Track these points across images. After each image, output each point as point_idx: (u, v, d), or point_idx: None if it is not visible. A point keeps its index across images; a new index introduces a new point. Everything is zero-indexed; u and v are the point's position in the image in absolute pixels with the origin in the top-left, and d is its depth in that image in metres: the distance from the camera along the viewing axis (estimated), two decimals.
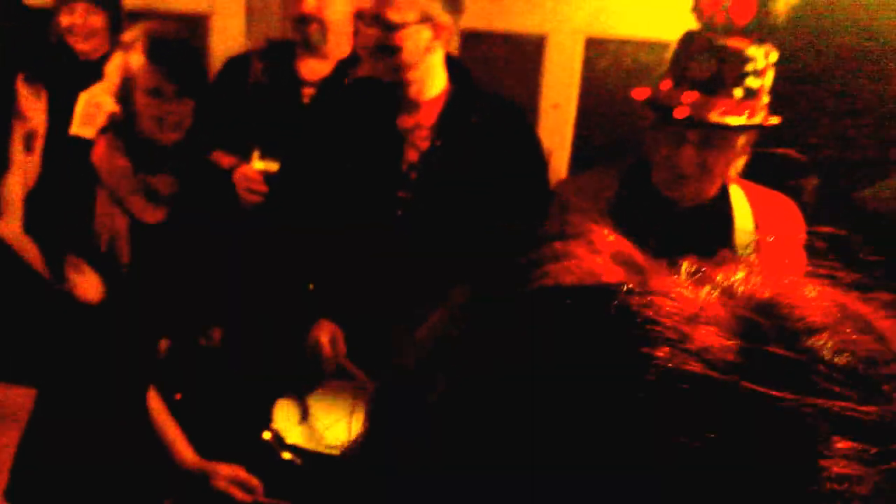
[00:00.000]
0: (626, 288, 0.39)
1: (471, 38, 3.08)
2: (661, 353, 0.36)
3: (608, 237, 0.44)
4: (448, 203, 1.99)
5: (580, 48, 3.15)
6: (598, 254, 0.42)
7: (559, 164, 3.22)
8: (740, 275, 0.42)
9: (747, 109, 1.60)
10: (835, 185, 2.20)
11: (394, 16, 1.92)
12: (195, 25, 3.09)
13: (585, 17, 3.12)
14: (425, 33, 1.95)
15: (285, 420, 1.84)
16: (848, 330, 0.38)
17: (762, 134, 1.68)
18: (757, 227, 1.73)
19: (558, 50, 3.16)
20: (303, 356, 2.00)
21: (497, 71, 3.24)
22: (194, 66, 2.01)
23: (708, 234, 1.69)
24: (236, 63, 2.60)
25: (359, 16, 1.99)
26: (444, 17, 1.96)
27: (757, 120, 1.62)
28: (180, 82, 1.92)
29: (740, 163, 1.72)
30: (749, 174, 1.80)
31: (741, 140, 1.65)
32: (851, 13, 2.63)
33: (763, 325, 0.38)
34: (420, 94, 2.02)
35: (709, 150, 1.63)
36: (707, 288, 0.40)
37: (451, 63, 2.08)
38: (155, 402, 1.64)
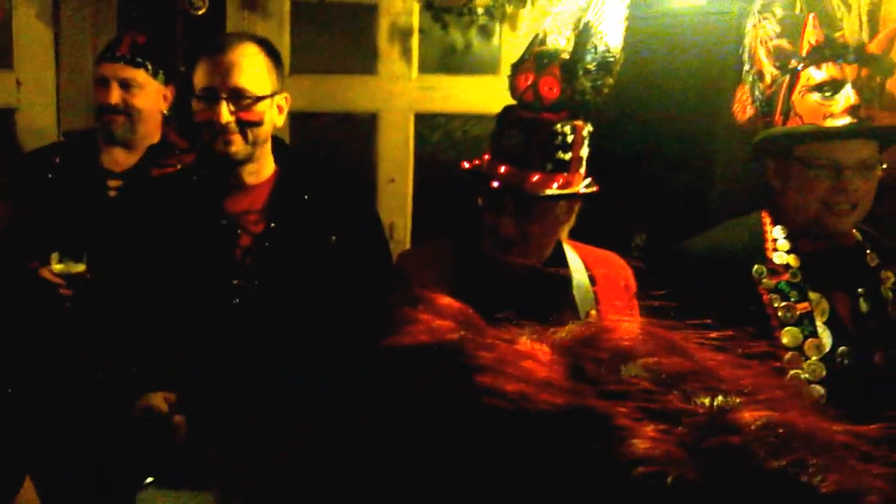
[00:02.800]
0: (465, 340, 0.48)
1: (302, 119, 3.08)
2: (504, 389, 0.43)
3: (449, 302, 0.53)
4: (287, 285, 1.93)
5: (411, 124, 3.23)
6: (442, 317, 0.51)
7: (401, 236, 3.24)
8: (568, 327, 0.50)
9: (559, 180, 1.67)
10: (661, 238, 2.35)
11: (255, 88, 1.88)
12: (2, 120, 2.90)
13: (415, 95, 3.21)
14: (274, 108, 1.93)
15: None
16: (657, 352, 0.46)
17: (585, 200, 1.76)
18: (594, 283, 1.80)
19: (390, 126, 3.22)
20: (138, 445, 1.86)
21: (332, 149, 3.25)
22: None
23: (549, 293, 1.75)
24: (35, 158, 2.45)
25: (205, 92, 1.89)
26: (285, 94, 1.96)
27: (572, 189, 1.69)
28: None
29: (567, 226, 1.80)
30: (579, 234, 1.89)
31: (560, 208, 1.72)
32: (665, 84, 2.86)
33: (586, 357, 0.46)
34: (253, 176, 1.97)
35: (527, 218, 1.69)
36: (537, 338, 0.49)
37: (276, 144, 2.05)
38: None
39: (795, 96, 1.76)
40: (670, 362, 0.46)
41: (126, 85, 2.35)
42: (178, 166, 2.40)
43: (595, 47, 1.66)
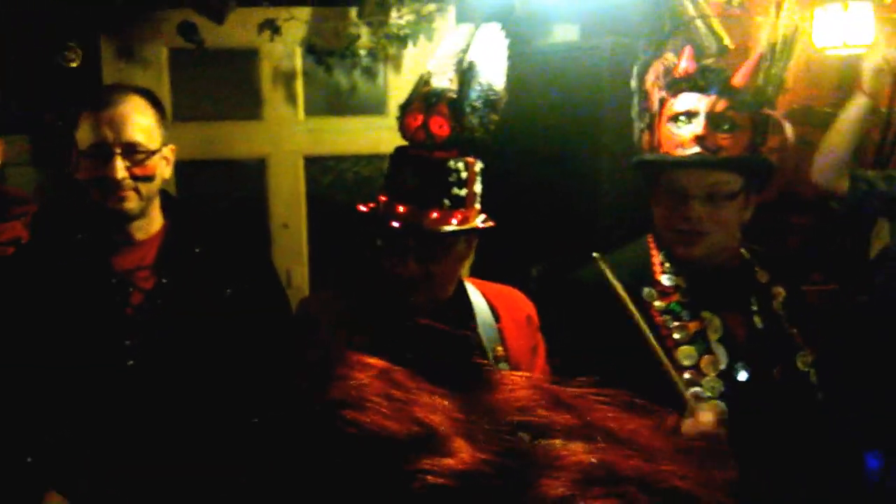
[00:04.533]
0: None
1: (188, 168, 3.01)
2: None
3: (375, 361, 0.61)
4: (183, 341, 1.86)
5: (301, 167, 3.20)
6: (368, 372, 0.58)
7: (299, 282, 3.20)
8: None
9: (457, 216, 1.69)
10: (557, 269, 2.40)
11: (148, 142, 1.82)
12: None
13: (303, 138, 3.19)
14: (163, 160, 1.88)
15: None
16: (542, 407, 0.54)
17: (482, 235, 1.78)
18: (498, 319, 1.82)
19: (280, 171, 3.19)
20: None
21: (221, 197, 3.18)
22: None
23: (454, 332, 1.74)
24: None
25: (96, 149, 1.79)
26: (171, 145, 1.90)
27: (470, 225, 1.71)
28: None
29: (466, 263, 1.81)
30: (478, 270, 1.91)
31: (460, 245, 1.74)
32: (546, 119, 2.95)
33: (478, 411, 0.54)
34: (142, 231, 1.90)
35: (429, 256, 1.69)
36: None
37: (163, 196, 1.98)
38: None
39: (662, 125, 1.83)
40: (553, 415, 0.53)
41: None
42: (23, 220, 2.28)
43: (480, 85, 1.69)
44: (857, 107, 2.80)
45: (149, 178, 1.84)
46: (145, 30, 2.97)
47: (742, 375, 1.73)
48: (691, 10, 2.64)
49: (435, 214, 1.66)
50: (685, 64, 1.83)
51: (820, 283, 3.36)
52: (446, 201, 1.67)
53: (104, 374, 1.80)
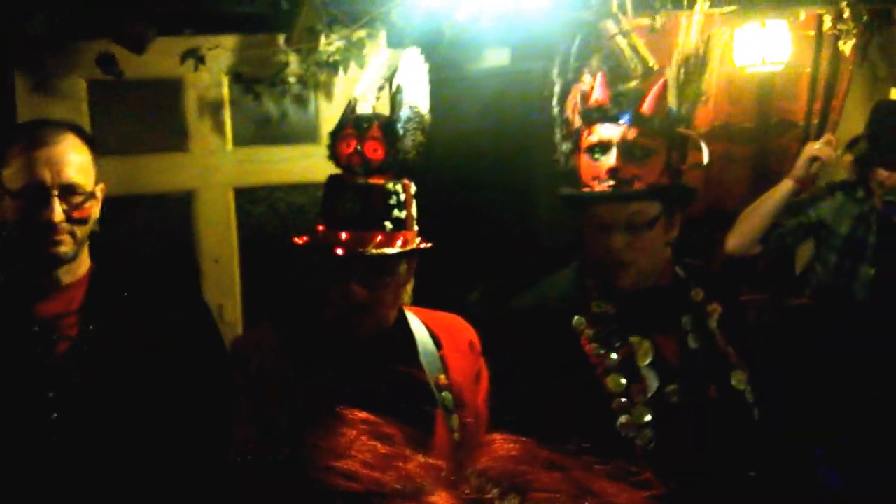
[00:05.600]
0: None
1: (112, 204, 2.89)
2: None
3: (364, 415, 0.62)
4: (112, 391, 1.76)
5: (231, 199, 3.12)
6: (356, 426, 0.60)
7: (231, 317, 3.10)
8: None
9: (400, 238, 1.67)
10: (496, 294, 2.40)
11: (86, 183, 1.74)
12: None
13: (232, 168, 3.12)
14: (96, 201, 1.79)
15: None
16: (532, 470, 0.54)
17: (420, 260, 1.76)
18: (439, 347, 1.79)
19: (208, 204, 3.10)
20: None
21: (147, 234, 3.07)
22: None
23: (396, 360, 1.71)
24: None
25: (30, 190, 1.71)
26: (101, 183, 1.82)
27: (411, 246, 1.70)
28: None
29: (409, 289, 1.79)
30: (417, 297, 1.89)
31: (403, 268, 1.72)
32: (480, 143, 2.96)
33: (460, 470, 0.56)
34: (69, 274, 1.81)
35: (375, 281, 1.67)
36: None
37: (91, 238, 1.90)
38: None
39: (581, 155, 1.83)
40: (541, 478, 0.55)
41: None
42: None
43: (409, 107, 1.70)
44: (782, 192, 2.95)
45: (85, 221, 1.77)
46: (61, 62, 2.86)
47: (673, 398, 1.73)
48: (618, 36, 2.69)
49: (379, 238, 1.64)
50: (597, 93, 1.84)
51: (750, 294, 3.44)
52: (388, 224, 1.66)
53: (25, 429, 1.69)
